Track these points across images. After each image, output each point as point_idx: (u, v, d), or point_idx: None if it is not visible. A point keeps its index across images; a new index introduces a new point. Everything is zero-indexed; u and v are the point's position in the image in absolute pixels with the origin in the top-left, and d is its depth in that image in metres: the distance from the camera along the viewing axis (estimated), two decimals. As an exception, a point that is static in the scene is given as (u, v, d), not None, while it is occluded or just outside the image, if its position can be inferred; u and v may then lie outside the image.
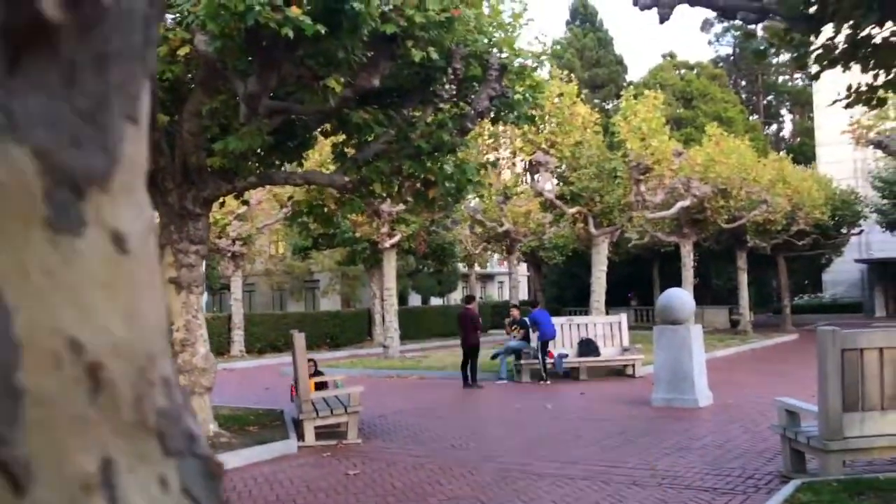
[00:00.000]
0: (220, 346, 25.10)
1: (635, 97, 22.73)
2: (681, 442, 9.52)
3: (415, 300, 41.63)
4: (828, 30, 6.34)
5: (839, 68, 6.47)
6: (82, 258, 0.32)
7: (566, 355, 16.82)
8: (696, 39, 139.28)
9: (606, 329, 17.73)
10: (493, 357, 17.51)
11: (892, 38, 6.06)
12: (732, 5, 6.50)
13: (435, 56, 8.56)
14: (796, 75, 60.23)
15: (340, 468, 8.67)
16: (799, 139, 60.81)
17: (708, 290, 40.96)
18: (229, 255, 25.79)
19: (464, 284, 42.15)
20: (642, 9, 6.54)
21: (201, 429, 0.39)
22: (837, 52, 6.32)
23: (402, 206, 19.94)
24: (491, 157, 20.10)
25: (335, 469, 8.65)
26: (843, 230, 36.07)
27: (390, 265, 23.08)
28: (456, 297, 42.26)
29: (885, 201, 36.17)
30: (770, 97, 66.73)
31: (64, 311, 0.31)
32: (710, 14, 62.00)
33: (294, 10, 7.12)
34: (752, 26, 8.43)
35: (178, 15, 8.30)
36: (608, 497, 7.13)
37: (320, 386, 11.27)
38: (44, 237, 0.31)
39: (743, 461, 8.36)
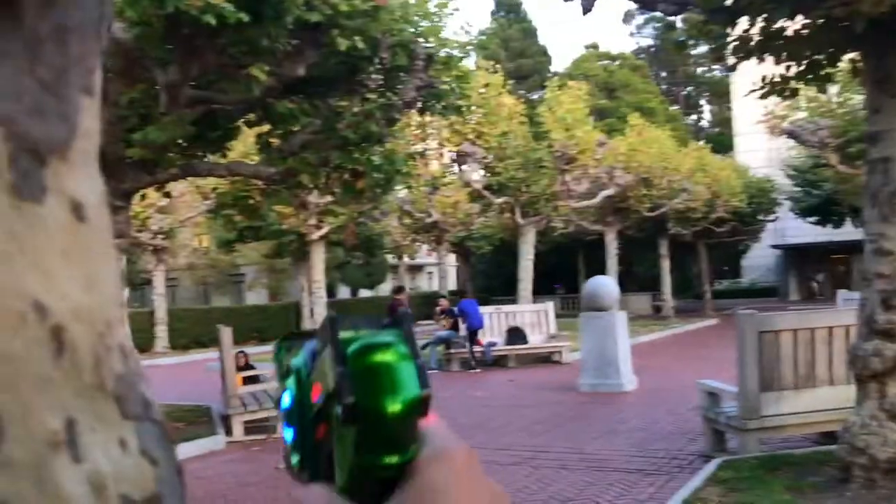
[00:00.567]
0: (144, 343, 24.48)
1: (559, 88, 23.03)
2: (608, 426, 9.73)
3: (344, 292, 41.38)
4: (743, 22, 6.53)
5: (754, 60, 6.68)
6: (44, 224, 0.33)
7: (495, 344, 16.98)
8: (618, 31, 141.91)
9: (534, 317, 17.96)
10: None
11: (803, 31, 6.28)
12: (653, -3, 6.64)
13: (361, 45, 8.49)
14: (715, 67, 61.93)
15: (270, 462, 8.58)
16: (718, 129, 62.64)
17: (632, 277, 41.88)
18: (151, 248, 25.17)
19: (393, 275, 42.10)
20: None
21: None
22: (752, 44, 6.52)
23: (329, 198, 19.76)
24: (419, 147, 20.09)
25: (265, 463, 8.56)
26: (760, 217, 37.32)
27: (318, 257, 22.87)
28: (385, 288, 42.17)
29: (798, 189, 37.56)
30: (690, 88, 68.53)
31: (28, 275, 0.32)
32: (632, 6, 63.21)
33: (216, -2, 6.96)
34: (672, 18, 8.62)
35: (93, 1, 8.03)
36: (537, 481, 7.25)
37: (251, 380, 11.10)
38: (9, 203, 0.32)
39: (667, 443, 8.60)
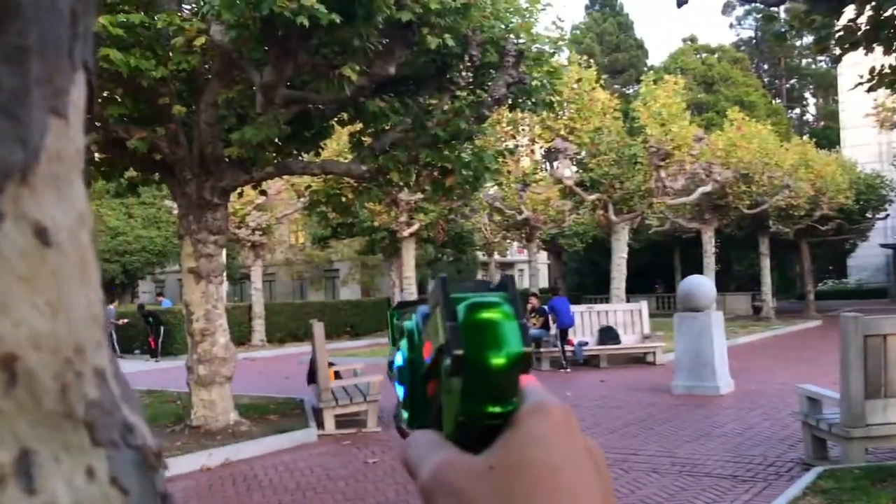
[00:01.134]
0: (241, 336, 25.28)
1: (655, 82, 22.55)
2: (701, 429, 9.46)
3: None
4: (849, 11, 6.23)
5: (862, 50, 6.36)
6: (0, 252, 0.33)
7: (586, 343, 16.76)
8: (717, 23, 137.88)
9: (627, 316, 17.64)
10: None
11: (916, 19, 5.94)
12: (752, -13, 6.40)
13: (451, 43, 8.51)
14: (820, 58, 59.45)
15: (360, 456, 8.71)
16: (823, 123, 60.10)
17: (730, 277, 40.69)
18: (249, 244, 25.94)
19: (483, 272, 42.11)
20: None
21: (141, 420, 0.39)
22: (860, 33, 6.21)
23: (420, 195, 19.93)
24: (509, 144, 19.99)
25: (355, 457, 8.69)
26: (869, 215, 35.61)
27: (409, 254, 23.10)
28: (476, 285, 42.14)
29: (911, 185, 35.70)
30: (793, 80, 65.95)
31: None
32: (732, -3, 61.30)
33: (309, -1, 7.10)
34: (774, 8, 8.30)
35: (193, 5, 8.32)
36: (627, 484, 7.11)
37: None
38: None
39: (764, 448, 8.30)
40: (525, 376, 0.45)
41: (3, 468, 0.31)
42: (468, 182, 11.05)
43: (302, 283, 41.09)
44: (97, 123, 8.61)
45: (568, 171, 21.43)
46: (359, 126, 10.95)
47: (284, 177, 16.31)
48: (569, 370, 15.95)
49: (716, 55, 52.98)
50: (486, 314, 0.43)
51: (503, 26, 9.62)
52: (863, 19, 6.23)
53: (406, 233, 23.02)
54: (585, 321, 17.37)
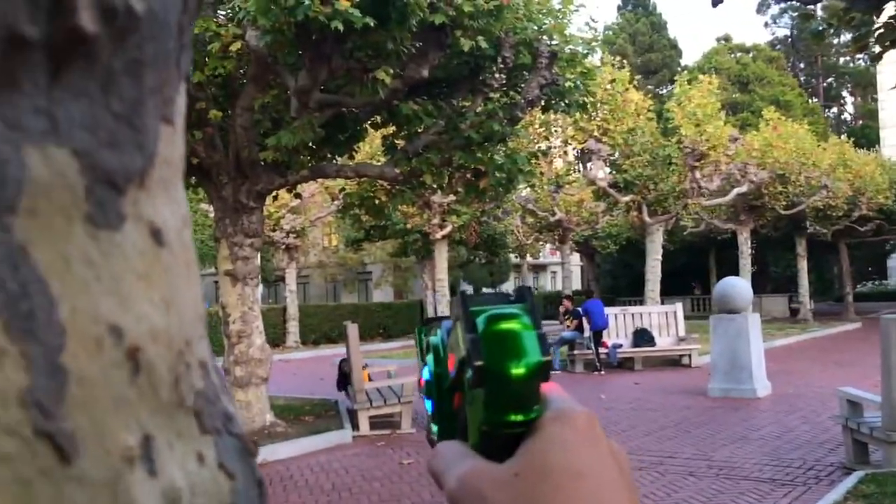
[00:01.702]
0: (276, 338, 25.50)
1: (689, 82, 22.35)
2: (738, 432, 9.36)
3: (467, 291, 41.65)
4: (889, 8, 6.13)
5: (902, 48, 6.26)
6: (121, 251, 0.35)
7: (620, 345, 16.66)
8: (752, 21, 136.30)
9: (661, 318, 17.49)
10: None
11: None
12: (789, -15, 6.33)
13: (484, 45, 8.52)
14: (858, 56, 58.50)
15: (395, 457, 8.74)
16: (861, 122, 59.07)
17: (766, 278, 40.17)
18: (283, 247, 26.16)
19: (516, 275, 42.05)
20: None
21: (236, 410, 0.43)
22: (900, 30, 6.10)
23: (452, 197, 19.95)
24: (542, 145, 19.94)
25: (390, 458, 8.73)
26: (909, 215, 34.94)
27: (442, 256, 23.14)
28: (508, 287, 42.20)
29: (953, 184, 34.95)
30: (830, 79, 64.90)
31: (105, 300, 0.34)
32: (767, -5, 60.54)
33: (343, 3, 7.16)
34: (811, 7, 8.19)
35: (229, 11, 8.42)
36: (663, 487, 7.05)
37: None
38: (85, 232, 0.33)
39: (803, 452, 8.19)
40: (547, 384, 0.46)
41: (132, 451, 0.34)
42: (501, 184, 11.04)
43: (335, 285, 41.33)
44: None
45: (601, 173, 21.32)
46: (392, 129, 10.99)
47: (318, 180, 16.44)
48: (603, 372, 15.86)
49: (750, 54, 52.35)
50: (505, 325, 0.45)
51: (536, 28, 9.60)
52: (903, 16, 6.13)
53: (439, 235, 23.06)
54: (619, 323, 17.26)
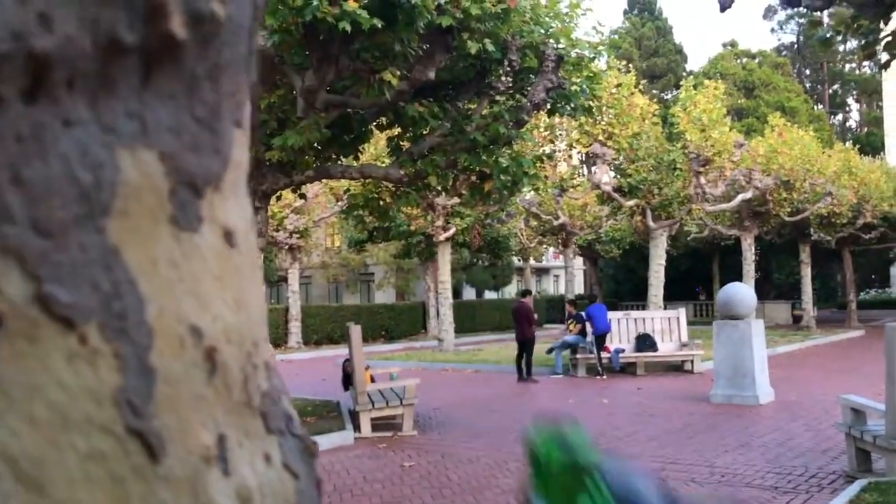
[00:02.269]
0: (278, 338, 25.49)
1: (695, 87, 22.33)
2: (741, 439, 9.34)
3: (469, 293, 41.65)
4: (898, 16, 6.11)
5: (910, 56, 6.24)
6: (200, 252, 0.37)
7: (622, 350, 16.64)
8: (758, 27, 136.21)
9: (664, 324, 17.46)
10: (549, 351, 17.42)
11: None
12: (797, -8, 6.32)
13: (491, 48, 8.52)
14: (864, 63, 58.44)
15: (396, 459, 8.73)
16: (866, 129, 58.99)
17: (769, 285, 40.10)
18: (286, 247, 26.16)
19: (518, 278, 42.00)
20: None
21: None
22: (908, 38, 6.09)
23: (456, 200, 19.95)
24: (547, 149, 19.92)
25: (391, 460, 8.72)
26: (913, 223, 34.84)
27: (445, 258, 23.13)
28: (510, 290, 42.16)
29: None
30: (836, 86, 64.83)
31: (186, 300, 0.35)
32: (774, 1, 60.54)
33: (351, 4, 7.17)
34: (817, 14, 8.18)
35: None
36: (666, 494, 7.03)
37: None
38: (169, 233, 0.35)
39: (805, 459, 8.17)
40: None
41: (209, 450, 0.35)
42: (506, 187, 11.03)
43: (337, 286, 41.32)
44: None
45: (606, 177, 21.30)
46: (398, 130, 10.99)
47: (323, 180, 16.43)
48: (605, 377, 15.84)
49: (756, 60, 52.28)
50: None
51: (543, 31, 9.60)
52: (912, 24, 6.12)
53: (442, 237, 23.05)
54: (622, 328, 17.24)
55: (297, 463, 0.40)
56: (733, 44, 56.72)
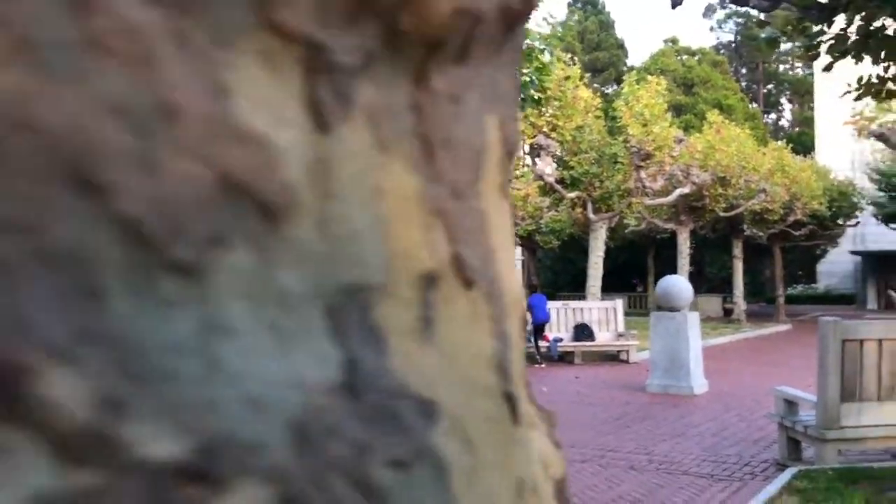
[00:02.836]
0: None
1: (638, 82, 22.67)
2: (677, 428, 9.57)
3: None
4: (840, 20, 6.32)
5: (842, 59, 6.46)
6: (505, 222, 0.41)
7: (561, 339, 16.87)
8: (697, 25, 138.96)
9: (602, 314, 17.76)
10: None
11: (906, 31, 6.04)
12: (746, -8, 6.47)
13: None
14: (797, 64, 60.17)
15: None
16: (798, 129, 60.83)
17: (702, 278, 41.05)
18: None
19: (459, 266, 42.12)
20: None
21: None
22: (850, 42, 6.30)
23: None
24: (491, 139, 19.95)
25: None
26: (840, 221, 36.09)
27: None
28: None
29: (882, 194, 36.21)
30: (770, 86, 66.66)
31: (509, 270, 0.40)
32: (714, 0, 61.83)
33: None
34: (760, 14, 8.39)
35: None
36: (605, 480, 7.18)
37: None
38: (498, 201, 0.37)
39: (739, 448, 8.42)
40: None
41: (533, 418, 0.43)
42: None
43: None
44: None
45: (549, 168, 21.50)
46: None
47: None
48: (543, 365, 16.04)
49: (696, 57, 53.32)
50: None
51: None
52: (853, 28, 6.32)
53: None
54: (561, 318, 17.47)
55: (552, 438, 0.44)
56: (674, 40, 57.75)
